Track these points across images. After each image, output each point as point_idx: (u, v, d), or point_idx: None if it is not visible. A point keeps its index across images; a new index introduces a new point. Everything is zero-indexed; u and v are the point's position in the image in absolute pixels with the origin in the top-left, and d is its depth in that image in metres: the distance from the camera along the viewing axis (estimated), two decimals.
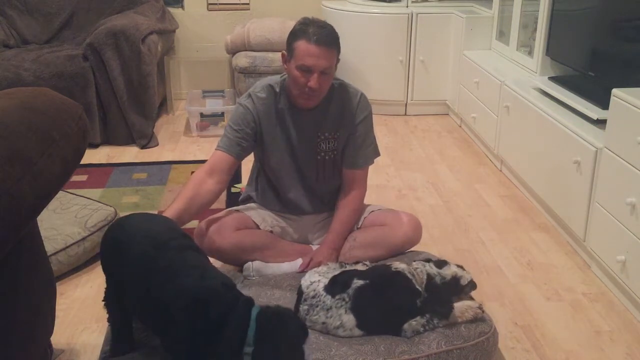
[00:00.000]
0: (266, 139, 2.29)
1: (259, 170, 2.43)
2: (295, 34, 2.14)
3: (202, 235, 2.28)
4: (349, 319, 1.84)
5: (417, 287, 1.87)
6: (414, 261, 2.01)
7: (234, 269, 2.33)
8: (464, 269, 1.97)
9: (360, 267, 2.06)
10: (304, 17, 2.19)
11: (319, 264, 2.12)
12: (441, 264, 1.96)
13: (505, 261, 2.63)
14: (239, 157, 2.28)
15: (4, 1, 4.31)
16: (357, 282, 1.87)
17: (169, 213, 2.09)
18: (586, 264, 2.61)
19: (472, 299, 1.99)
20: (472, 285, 1.98)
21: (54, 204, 2.62)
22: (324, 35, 2.10)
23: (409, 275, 1.90)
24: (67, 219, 2.57)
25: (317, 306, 1.88)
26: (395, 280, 1.89)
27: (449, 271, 1.94)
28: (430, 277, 1.91)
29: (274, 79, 2.30)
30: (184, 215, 2.12)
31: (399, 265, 1.96)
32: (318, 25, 2.13)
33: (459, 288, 1.93)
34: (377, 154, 2.41)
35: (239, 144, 2.24)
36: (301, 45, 2.10)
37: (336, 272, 1.97)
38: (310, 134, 2.28)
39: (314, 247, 2.34)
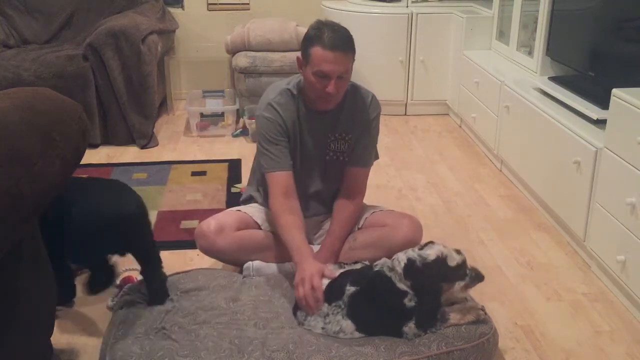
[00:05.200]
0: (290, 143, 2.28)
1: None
2: (310, 40, 2.11)
3: (203, 236, 2.28)
4: (348, 325, 1.84)
5: (399, 285, 1.83)
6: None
7: (234, 269, 2.33)
8: (459, 253, 1.85)
9: (359, 266, 2.06)
10: (318, 20, 2.16)
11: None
12: (425, 245, 1.87)
13: (505, 261, 2.63)
14: (292, 168, 2.25)
15: (4, 1, 4.30)
16: (350, 289, 1.87)
17: (306, 255, 2.07)
18: (586, 264, 2.61)
19: (472, 299, 1.99)
20: (476, 276, 1.85)
21: None
22: (339, 40, 2.07)
23: (388, 273, 1.87)
24: None
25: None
26: (377, 284, 1.87)
27: (431, 250, 1.84)
28: (411, 262, 1.84)
29: (289, 83, 2.27)
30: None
31: (379, 261, 1.94)
32: (333, 29, 2.10)
33: (446, 269, 1.82)
34: (377, 156, 2.41)
35: (287, 156, 2.22)
36: (317, 51, 2.08)
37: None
38: (322, 135, 2.28)
39: (315, 248, 2.34)
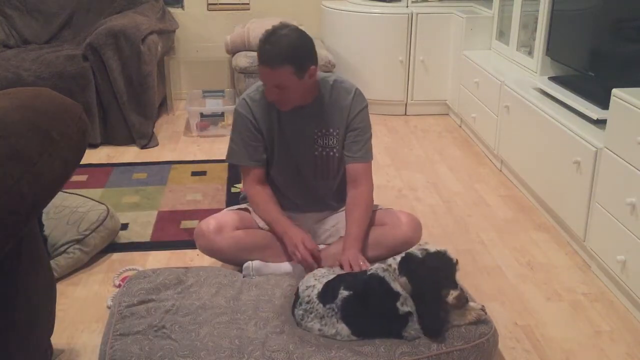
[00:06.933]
0: (266, 139, 2.30)
1: None
2: (257, 48, 2.15)
3: (202, 235, 2.28)
4: (343, 328, 1.83)
5: (392, 285, 1.81)
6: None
7: (233, 268, 2.33)
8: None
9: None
10: (270, 28, 2.14)
11: (353, 267, 2.09)
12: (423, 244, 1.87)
13: (505, 261, 2.63)
14: (265, 163, 2.35)
15: (4, 1, 4.31)
16: (343, 293, 1.85)
17: (287, 224, 2.25)
18: (586, 264, 2.61)
19: (472, 299, 1.99)
20: (464, 295, 1.82)
21: (47, 207, 2.59)
22: (270, 57, 2.08)
23: (381, 273, 1.85)
24: (59, 226, 2.52)
25: (311, 313, 1.87)
26: (370, 287, 1.85)
27: (431, 246, 1.83)
28: (408, 255, 1.82)
29: None
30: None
31: (374, 265, 1.92)
32: (271, 41, 2.09)
33: (446, 260, 1.80)
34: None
35: (256, 152, 2.31)
36: (258, 61, 2.14)
37: (331, 277, 1.96)
38: (307, 130, 2.29)
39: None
